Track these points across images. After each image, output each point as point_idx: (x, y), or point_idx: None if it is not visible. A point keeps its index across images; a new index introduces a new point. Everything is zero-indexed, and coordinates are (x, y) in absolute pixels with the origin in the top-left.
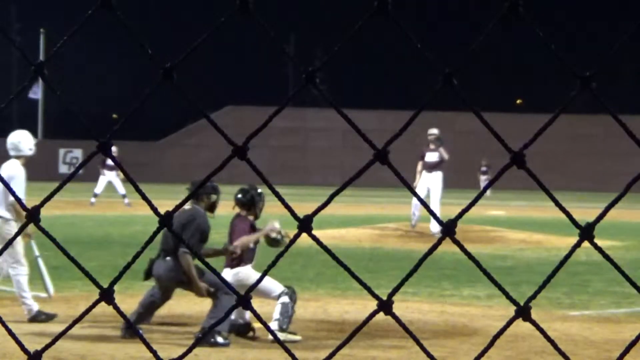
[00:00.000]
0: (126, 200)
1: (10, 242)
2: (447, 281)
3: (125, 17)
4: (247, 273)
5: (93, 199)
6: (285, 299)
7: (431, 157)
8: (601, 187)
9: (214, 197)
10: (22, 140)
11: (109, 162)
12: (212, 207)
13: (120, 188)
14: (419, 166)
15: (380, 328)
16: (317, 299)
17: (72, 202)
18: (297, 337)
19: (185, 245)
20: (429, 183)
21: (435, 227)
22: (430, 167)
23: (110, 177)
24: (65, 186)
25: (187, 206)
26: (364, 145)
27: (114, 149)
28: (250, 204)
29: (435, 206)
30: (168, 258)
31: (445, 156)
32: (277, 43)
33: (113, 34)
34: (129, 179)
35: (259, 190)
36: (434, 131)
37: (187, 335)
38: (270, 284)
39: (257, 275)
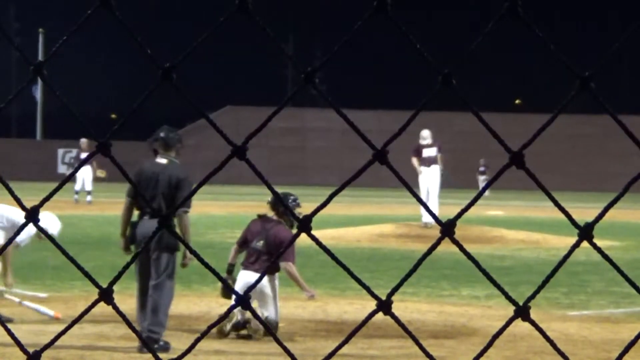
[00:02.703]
0: (76, 197)
1: (9, 243)
2: (446, 281)
3: (125, 17)
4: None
5: (89, 197)
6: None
7: (429, 152)
8: (600, 187)
9: (179, 145)
10: None
11: (83, 156)
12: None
13: (89, 185)
14: (415, 161)
15: (379, 328)
16: (316, 299)
17: (71, 202)
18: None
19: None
20: (428, 178)
21: (427, 218)
22: (430, 162)
23: (83, 171)
24: (64, 186)
25: (162, 160)
26: (363, 145)
27: (84, 140)
28: (283, 211)
29: (433, 201)
30: (155, 221)
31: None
32: (276, 43)
33: (112, 34)
34: (127, 179)
35: (292, 197)
36: (426, 134)
37: (187, 335)
38: (273, 306)
39: (268, 284)
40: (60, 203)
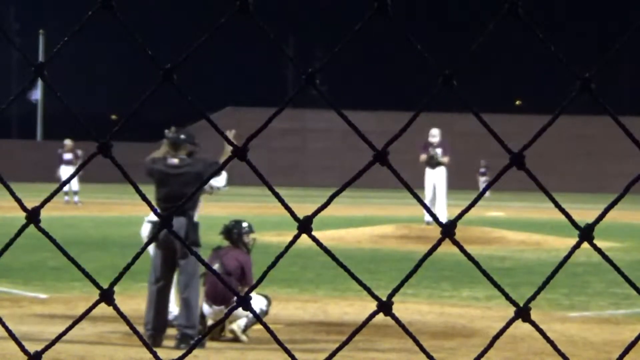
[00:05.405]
0: (67, 198)
1: (9, 244)
2: (447, 282)
3: (126, 18)
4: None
5: (76, 198)
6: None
7: (434, 152)
8: (600, 188)
9: (191, 146)
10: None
11: (65, 156)
12: (190, 156)
13: (75, 185)
14: (423, 157)
15: (380, 329)
16: (317, 300)
17: (71, 203)
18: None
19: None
20: (434, 179)
21: (428, 217)
22: (434, 163)
23: (66, 172)
24: (64, 187)
25: (173, 160)
26: (363, 146)
27: (67, 142)
28: (236, 239)
29: (441, 202)
30: (181, 218)
31: (445, 160)
32: (277, 44)
33: (113, 34)
34: (128, 180)
35: (244, 224)
36: (436, 132)
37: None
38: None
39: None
40: (60, 204)
